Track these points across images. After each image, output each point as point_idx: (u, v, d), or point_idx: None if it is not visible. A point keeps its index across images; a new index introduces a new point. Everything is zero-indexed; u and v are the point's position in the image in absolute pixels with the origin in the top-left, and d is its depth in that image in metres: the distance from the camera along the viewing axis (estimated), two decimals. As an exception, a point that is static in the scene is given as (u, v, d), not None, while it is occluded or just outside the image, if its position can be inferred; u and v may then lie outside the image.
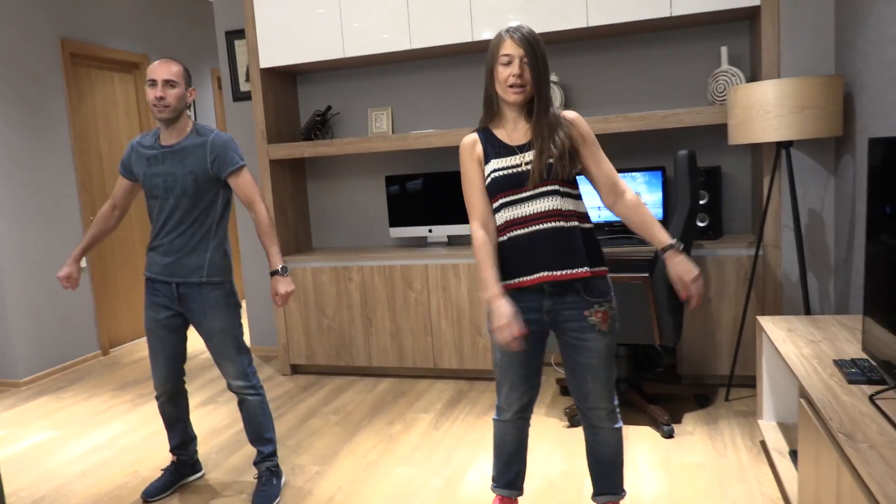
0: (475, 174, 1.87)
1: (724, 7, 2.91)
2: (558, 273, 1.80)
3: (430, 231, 3.71)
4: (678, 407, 2.95)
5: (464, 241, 3.77)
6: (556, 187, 1.80)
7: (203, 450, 2.86)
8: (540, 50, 1.77)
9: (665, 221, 3.29)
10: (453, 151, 3.75)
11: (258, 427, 2.41)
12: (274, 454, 2.45)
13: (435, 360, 3.51)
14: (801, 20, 2.88)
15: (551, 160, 1.78)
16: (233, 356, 2.34)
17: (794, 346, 2.08)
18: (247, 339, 4.51)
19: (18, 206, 4.00)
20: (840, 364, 1.85)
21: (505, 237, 1.84)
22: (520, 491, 2.10)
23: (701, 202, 3.12)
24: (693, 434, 2.67)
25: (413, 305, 3.51)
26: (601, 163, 1.87)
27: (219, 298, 2.30)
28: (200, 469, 2.62)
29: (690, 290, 1.77)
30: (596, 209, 3.37)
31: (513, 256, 1.83)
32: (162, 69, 2.20)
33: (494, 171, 1.82)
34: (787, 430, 2.44)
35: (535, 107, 1.80)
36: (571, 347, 1.88)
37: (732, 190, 3.34)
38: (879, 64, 2.36)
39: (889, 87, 2.28)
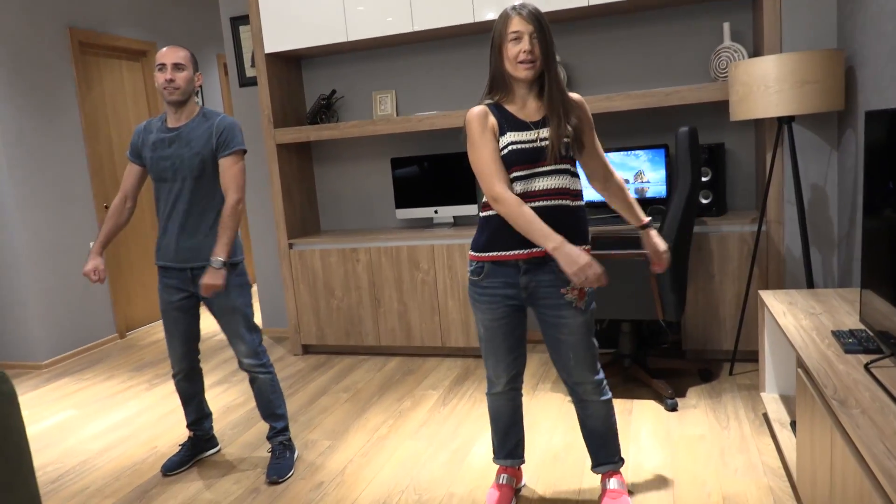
0: (491, 142, 1.82)
1: (726, -17, 2.91)
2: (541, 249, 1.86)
3: (435, 212, 3.75)
4: (682, 382, 3.00)
5: (469, 222, 3.82)
6: (568, 166, 1.86)
7: (218, 426, 2.95)
8: (547, 26, 1.80)
9: (667, 199, 3.32)
10: (457, 133, 3.78)
11: (269, 403, 2.49)
12: (286, 429, 2.53)
13: (443, 338, 3.58)
14: (804, -6, 2.87)
15: (567, 139, 1.82)
16: (245, 335, 2.41)
17: (794, 318, 2.12)
18: (258, 320, 4.60)
19: (33, 194, 4.08)
20: (838, 335, 1.89)
21: None
22: (521, 459, 2.17)
23: (704, 179, 3.14)
24: (696, 408, 2.72)
25: (420, 285, 3.56)
26: (598, 147, 1.96)
27: (232, 279, 2.36)
28: (216, 444, 2.71)
29: (662, 260, 2.02)
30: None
31: (508, 227, 1.86)
32: (170, 54, 2.26)
33: (512, 143, 1.82)
34: (789, 402, 2.48)
35: (547, 83, 1.83)
36: (550, 325, 1.92)
37: (736, 166, 3.35)
38: (878, 37, 2.36)
39: (888, 61, 2.28)
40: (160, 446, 2.81)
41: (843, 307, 2.20)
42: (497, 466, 2.30)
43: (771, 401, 2.50)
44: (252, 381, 2.48)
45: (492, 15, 3.27)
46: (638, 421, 2.65)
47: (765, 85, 2.53)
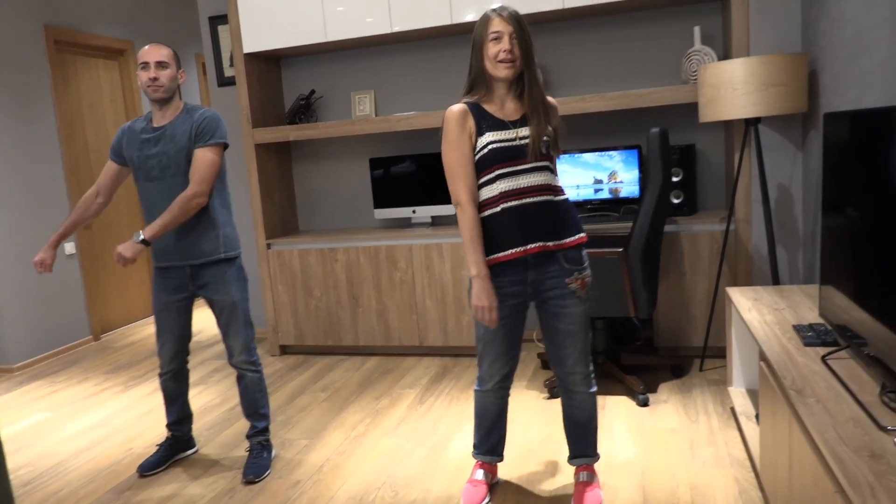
0: (466, 145, 1.87)
1: (695, -13, 2.98)
2: (551, 244, 1.90)
3: (413, 212, 3.78)
4: (654, 377, 3.07)
5: (447, 222, 3.85)
6: (548, 163, 1.92)
7: (196, 426, 2.95)
8: (526, 28, 1.85)
9: (640, 198, 3.38)
10: (436, 133, 3.81)
11: (254, 402, 2.50)
12: (266, 430, 2.54)
13: (420, 337, 3.61)
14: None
15: (546, 138, 1.88)
16: (241, 330, 2.42)
17: (759, 313, 2.19)
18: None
19: (7, 194, 4.03)
20: (798, 329, 1.95)
21: (498, 208, 1.89)
22: (500, 457, 2.21)
23: (676, 179, 3.21)
24: (667, 402, 2.78)
25: (398, 285, 3.59)
26: (559, 151, 1.99)
27: (232, 273, 2.38)
28: (194, 445, 2.71)
29: None
30: (574, 188, 3.45)
31: (507, 226, 1.89)
32: (153, 52, 2.26)
33: (491, 142, 1.86)
34: (755, 395, 2.55)
35: (527, 82, 1.88)
36: (552, 315, 1.97)
37: (706, 167, 3.43)
38: (840, 41, 2.44)
39: (848, 65, 2.36)
40: (136, 447, 2.81)
41: (805, 302, 2.27)
42: (474, 462, 2.34)
43: (738, 395, 2.57)
44: (240, 379, 2.49)
45: (470, 16, 3.31)
46: (611, 416, 2.70)
47: (732, 87, 2.60)
